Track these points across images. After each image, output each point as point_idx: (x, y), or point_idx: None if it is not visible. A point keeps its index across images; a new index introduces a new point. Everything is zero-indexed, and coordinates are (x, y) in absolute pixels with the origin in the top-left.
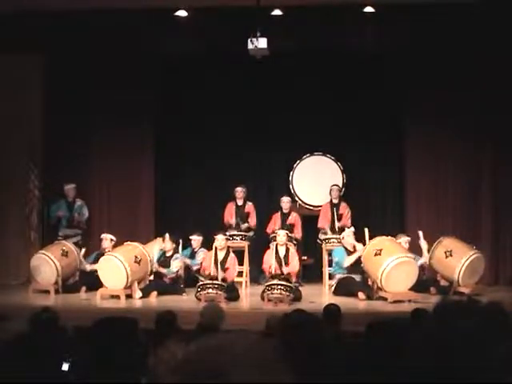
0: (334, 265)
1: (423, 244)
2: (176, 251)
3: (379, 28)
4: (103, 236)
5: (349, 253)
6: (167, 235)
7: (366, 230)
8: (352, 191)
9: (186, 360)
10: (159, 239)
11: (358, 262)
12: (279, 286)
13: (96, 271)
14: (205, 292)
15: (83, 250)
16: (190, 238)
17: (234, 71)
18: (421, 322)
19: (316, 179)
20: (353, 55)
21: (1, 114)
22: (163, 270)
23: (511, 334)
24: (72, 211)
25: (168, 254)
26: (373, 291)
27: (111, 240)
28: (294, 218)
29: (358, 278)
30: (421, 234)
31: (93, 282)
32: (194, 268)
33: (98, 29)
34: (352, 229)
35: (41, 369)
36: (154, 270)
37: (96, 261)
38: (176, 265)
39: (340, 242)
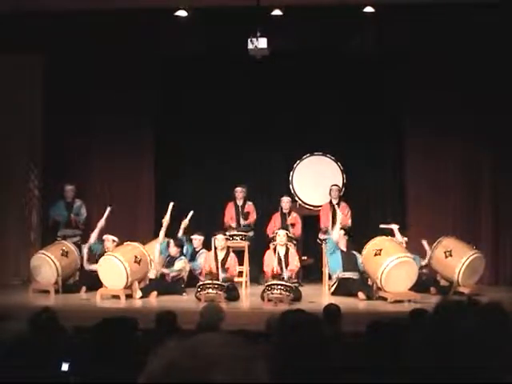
0: (327, 256)
1: (428, 250)
2: (182, 253)
3: (379, 28)
4: (105, 237)
5: (342, 253)
6: (171, 241)
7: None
8: (352, 191)
9: (161, 369)
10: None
11: (357, 261)
12: (279, 286)
13: (96, 271)
14: (205, 292)
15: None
16: (192, 237)
17: (234, 71)
18: (420, 321)
19: (316, 179)
20: (353, 55)
21: (1, 114)
22: (166, 270)
23: (511, 334)
24: (70, 212)
25: (175, 257)
26: (373, 291)
27: (113, 241)
28: (294, 218)
29: (357, 277)
30: (424, 242)
31: (93, 282)
32: (197, 271)
33: (98, 29)
34: (342, 231)
35: (41, 369)
36: (158, 272)
37: (97, 261)
38: (180, 265)
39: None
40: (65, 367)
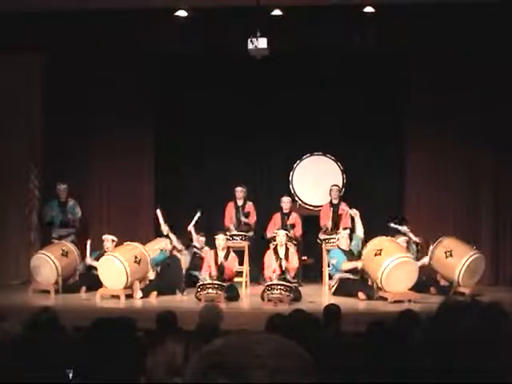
0: (331, 266)
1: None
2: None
3: (379, 28)
4: (104, 237)
5: (345, 253)
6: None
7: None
8: (352, 191)
9: (208, 354)
10: (159, 239)
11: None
12: (279, 286)
13: (96, 269)
14: (205, 292)
15: (89, 241)
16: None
17: (234, 71)
18: (409, 323)
19: (316, 179)
20: (353, 55)
21: (1, 114)
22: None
23: (511, 334)
24: (65, 211)
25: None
26: (373, 291)
27: (112, 241)
28: (294, 218)
29: (357, 277)
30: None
31: (93, 282)
32: (195, 250)
33: (98, 29)
34: (347, 231)
35: (41, 369)
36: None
37: (97, 261)
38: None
39: None
40: (69, 373)
